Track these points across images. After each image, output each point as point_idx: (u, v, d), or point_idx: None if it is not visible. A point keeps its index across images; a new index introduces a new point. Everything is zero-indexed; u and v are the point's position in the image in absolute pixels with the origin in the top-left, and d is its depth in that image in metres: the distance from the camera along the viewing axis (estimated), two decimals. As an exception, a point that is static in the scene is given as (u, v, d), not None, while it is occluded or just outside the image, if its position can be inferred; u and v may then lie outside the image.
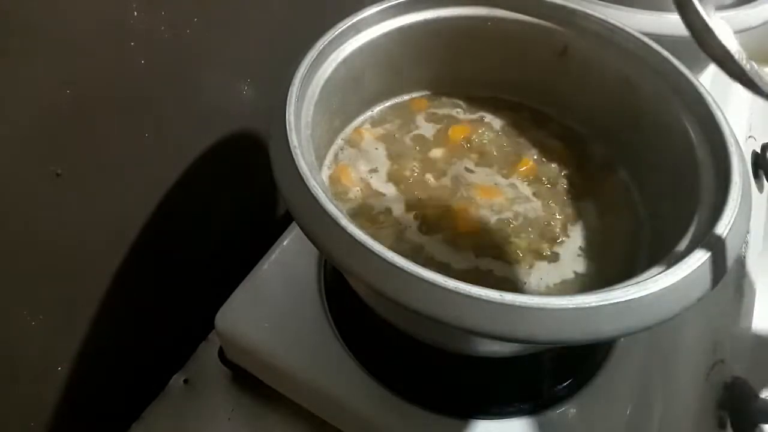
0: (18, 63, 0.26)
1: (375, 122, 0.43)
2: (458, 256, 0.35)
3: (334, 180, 0.39)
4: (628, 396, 0.37)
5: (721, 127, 0.31)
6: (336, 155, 0.40)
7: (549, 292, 0.34)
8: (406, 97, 0.44)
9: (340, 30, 0.36)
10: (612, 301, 0.24)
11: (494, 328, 0.24)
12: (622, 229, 0.37)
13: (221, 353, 0.44)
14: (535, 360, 0.38)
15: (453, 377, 0.38)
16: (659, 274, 0.26)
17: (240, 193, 0.48)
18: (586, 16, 0.39)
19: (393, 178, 0.39)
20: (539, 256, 0.35)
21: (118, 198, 0.36)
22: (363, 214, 0.37)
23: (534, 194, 0.39)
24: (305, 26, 0.38)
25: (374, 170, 0.39)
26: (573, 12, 0.39)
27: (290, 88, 0.32)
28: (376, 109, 0.43)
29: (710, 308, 0.42)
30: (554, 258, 0.35)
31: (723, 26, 0.23)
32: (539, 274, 0.34)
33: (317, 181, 0.28)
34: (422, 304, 0.24)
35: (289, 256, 0.43)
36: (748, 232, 0.29)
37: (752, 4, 0.45)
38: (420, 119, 0.43)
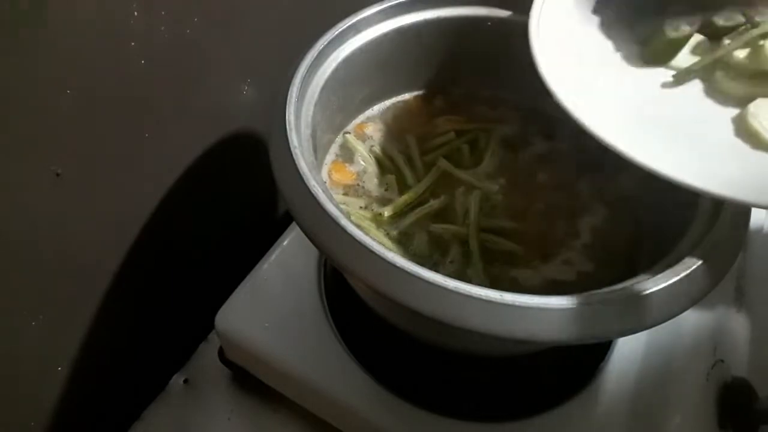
0: (19, 63, 0.26)
1: (375, 121, 0.43)
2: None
3: (334, 178, 0.39)
4: (628, 396, 0.37)
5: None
6: (336, 154, 0.40)
7: (549, 290, 0.34)
8: (406, 96, 0.44)
9: (340, 30, 0.36)
10: (612, 301, 0.24)
11: (494, 328, 0.24)
12: (624, 230, 0.37)
13: (221, 353, 0.44)
14: (535, 360, 0.38)
15: (453, 377, 0.38)
16: (659, 274, 0.26)
17: (240, 193, 0.48)
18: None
19: (393, 174, 0.39)
20: (542, 253, 0.35)
21: (118, 198, 0.36)
22: (362, 210, 0.37)
23: (537, 192, 0.39)
24: (305, 26, 0.38)
25: (374, 168, 0.39)
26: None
27: (290, 88, 0.32)
28: (376, 108, 0.43)
29: (710, 308, 0.42)
30: (556, 257, 0.35)
31: None
32: (541, 271, 0.35)
33: (317, 181, 0.28)
34: (422, 304, 0.24)
35: (289, 256, 0.43)
36: (747, 232, 0.29)
37: None
38: (420, 118, 0.43)
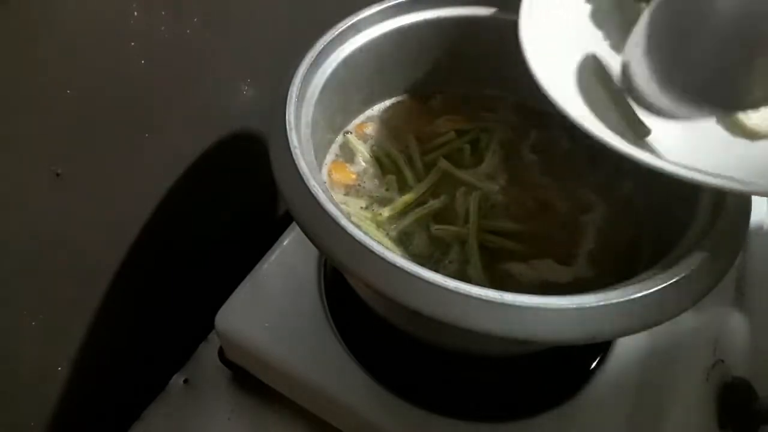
0: (19, 63, 0.26)
1: (375, 121, 0.43)
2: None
3: (334, 178, 0.39)
4: (628, 396, 0.37)
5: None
6: (336, 154, 0.40)
7: (549, 290, 0.33)
8: (406, 96, 0.44)
9: (340, 30, 0.36)
10: (612, 301, 0.24)
11: (494, 328, 0.24)
12: (624, 230, 0.37)
13: (221, 353, 0.44)
14: (534, 361, 0.38)
15: (453, 377, 0.38)
16: (659, 274, 0.26)
17: (240, 193, 0.48)
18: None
19: (393, 174, 0.39)
20: (541, 253, 0.35)
21: (117, 198, 0.36)
22: (362, 210, 0.37)
23: (537, 193, 0.39)
24: (305, 26, 0.38)
25: (375, 168, 0.39)
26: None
27: (290, 88, 0.32)
28: (377, 108, 0.43)
29: (710, 308, 0.42)
30: (556, 256, 0.35)
31: None
32: (541, 271, 0.35)
33: (317, 181, 0.28)
34: (422, 304, 0.24)
35: (289, 256, 0.43)
36: (747, 232, 0.29)
37: None
38: (420, 118, 0.43)
